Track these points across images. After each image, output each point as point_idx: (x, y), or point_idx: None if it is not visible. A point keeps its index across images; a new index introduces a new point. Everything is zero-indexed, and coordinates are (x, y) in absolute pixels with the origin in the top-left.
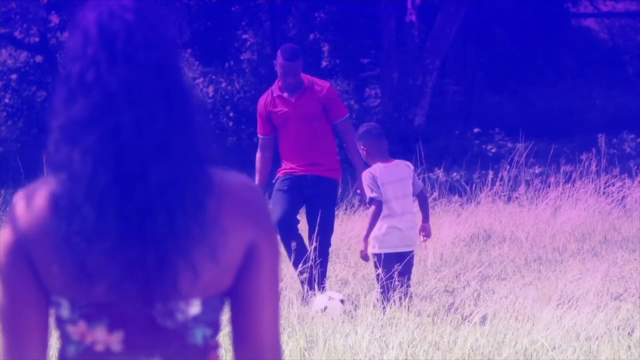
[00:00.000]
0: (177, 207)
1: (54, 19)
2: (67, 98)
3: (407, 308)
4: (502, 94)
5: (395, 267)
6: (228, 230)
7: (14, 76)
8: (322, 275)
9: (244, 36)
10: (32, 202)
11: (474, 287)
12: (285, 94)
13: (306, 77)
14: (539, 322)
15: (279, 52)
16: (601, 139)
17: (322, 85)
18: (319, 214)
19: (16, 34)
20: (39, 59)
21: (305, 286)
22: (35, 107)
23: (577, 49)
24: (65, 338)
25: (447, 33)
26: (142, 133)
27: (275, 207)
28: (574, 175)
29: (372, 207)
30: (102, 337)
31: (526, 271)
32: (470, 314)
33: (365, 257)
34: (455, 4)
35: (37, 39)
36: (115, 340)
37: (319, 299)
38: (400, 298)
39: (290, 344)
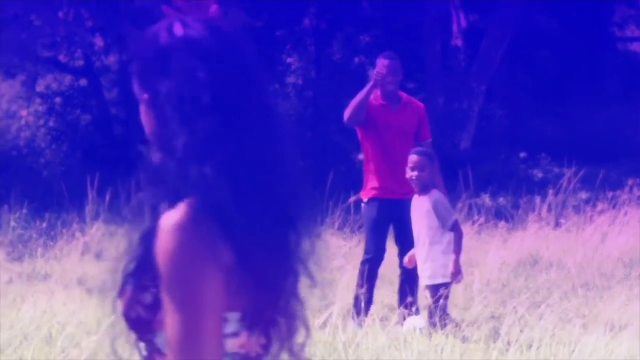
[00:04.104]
0: (298, 216)
1: (99, 42)
2: (186, 119)
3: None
4: (549, 118)
5: (441, 292)
6: None
7: (58, 99)
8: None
9: (288, 60)
10: (198, 227)
11: (520, 313)
12: (386, 103)
13: (402, 93)
14: (585, 349)
15: (379, 58)
16: None
17: (419, 103)
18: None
19: (60, 57)
20: (83, 82)
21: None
22: (80, 131)
23: (624, 73)
24: None
25: (493, 57)
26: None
27: (369, 236)
28: (621, 200)
29: (458, 230)
30: (257, 343)
31: (573, 297)
32: (516, 340)
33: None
34: (501, 28)
35: (81, 62)
36: (261, 344)
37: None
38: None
39: None
